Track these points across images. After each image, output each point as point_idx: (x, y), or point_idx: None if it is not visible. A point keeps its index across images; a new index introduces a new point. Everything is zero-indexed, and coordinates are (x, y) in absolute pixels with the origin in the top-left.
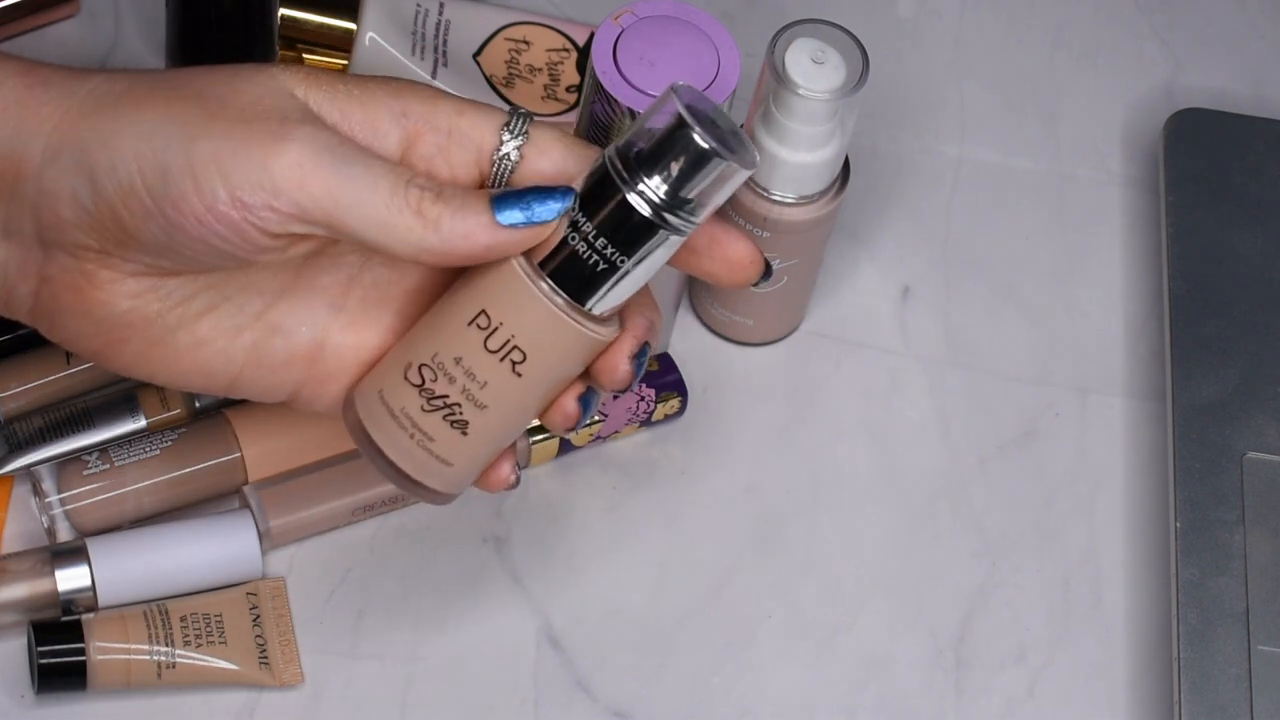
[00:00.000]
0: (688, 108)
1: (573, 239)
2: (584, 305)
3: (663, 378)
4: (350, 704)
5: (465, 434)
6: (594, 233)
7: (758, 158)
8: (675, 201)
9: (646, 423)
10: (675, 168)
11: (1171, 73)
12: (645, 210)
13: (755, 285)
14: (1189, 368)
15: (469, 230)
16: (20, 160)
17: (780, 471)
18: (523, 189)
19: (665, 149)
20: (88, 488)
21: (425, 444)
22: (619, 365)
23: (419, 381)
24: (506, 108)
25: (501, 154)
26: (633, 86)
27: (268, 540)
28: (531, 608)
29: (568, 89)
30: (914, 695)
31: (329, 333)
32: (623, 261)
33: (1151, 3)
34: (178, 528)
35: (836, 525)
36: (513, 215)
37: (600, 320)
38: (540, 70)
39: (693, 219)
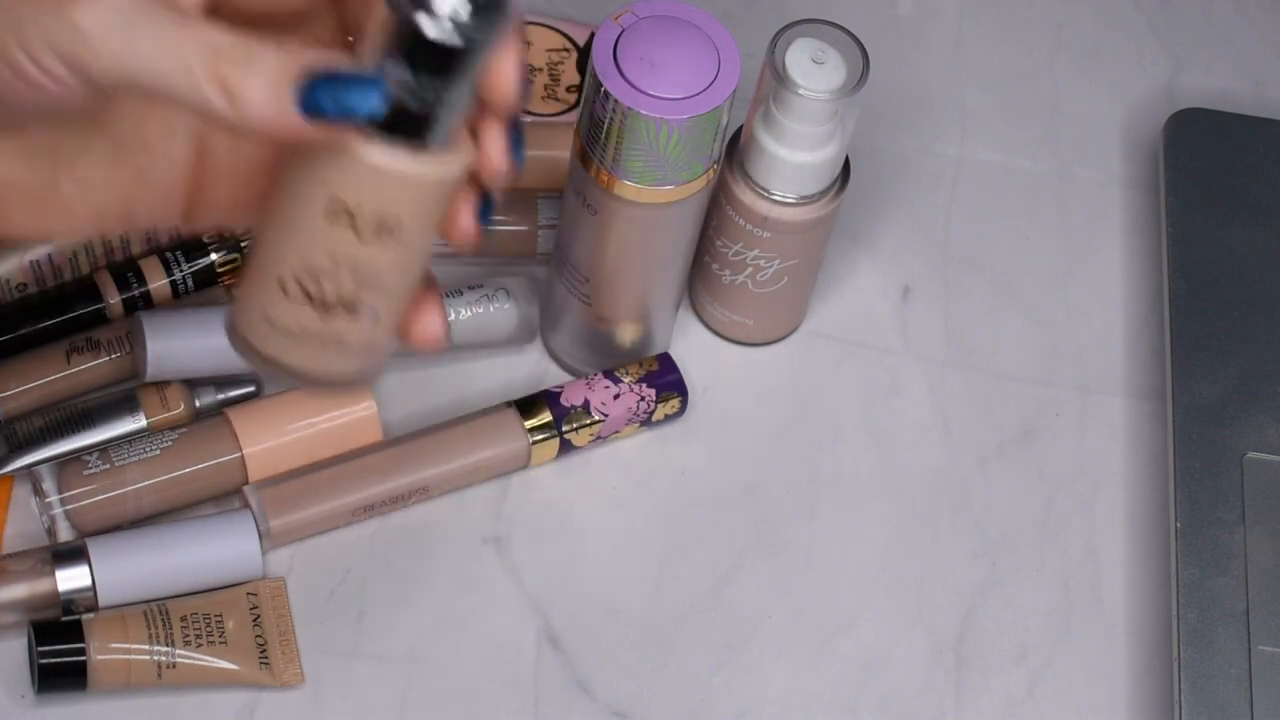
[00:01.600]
0: None
1: (395, 89)
2: (428, 145)
3: (663, 378)
4: (350, 704)
5: (377, 318)
6: (410, 75)
7: None
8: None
9: (646, 423)
10: None
11: (1171, 73)
12: (446, 28)
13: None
14: (1189, 368)
15: (272, 117)
16: None
17: (780, 471)
18: (332, 72)
19: None
20: (88, 488)
21: (340, 346)
22: (492, 152)
23: (303, 293)
24: None
25: None
26: (633, 86)
27: (268, 540)
28: (531, 608)
29: (568, 89)
30: (914, 695)
31: (206, 132)
32: (446, 89)
33: (1151, 3)
34: (178, 528)
35: (836, 525)
36: (320, 109)
37: (452, 149)
38: (540, 70)
39: (491, 21)
